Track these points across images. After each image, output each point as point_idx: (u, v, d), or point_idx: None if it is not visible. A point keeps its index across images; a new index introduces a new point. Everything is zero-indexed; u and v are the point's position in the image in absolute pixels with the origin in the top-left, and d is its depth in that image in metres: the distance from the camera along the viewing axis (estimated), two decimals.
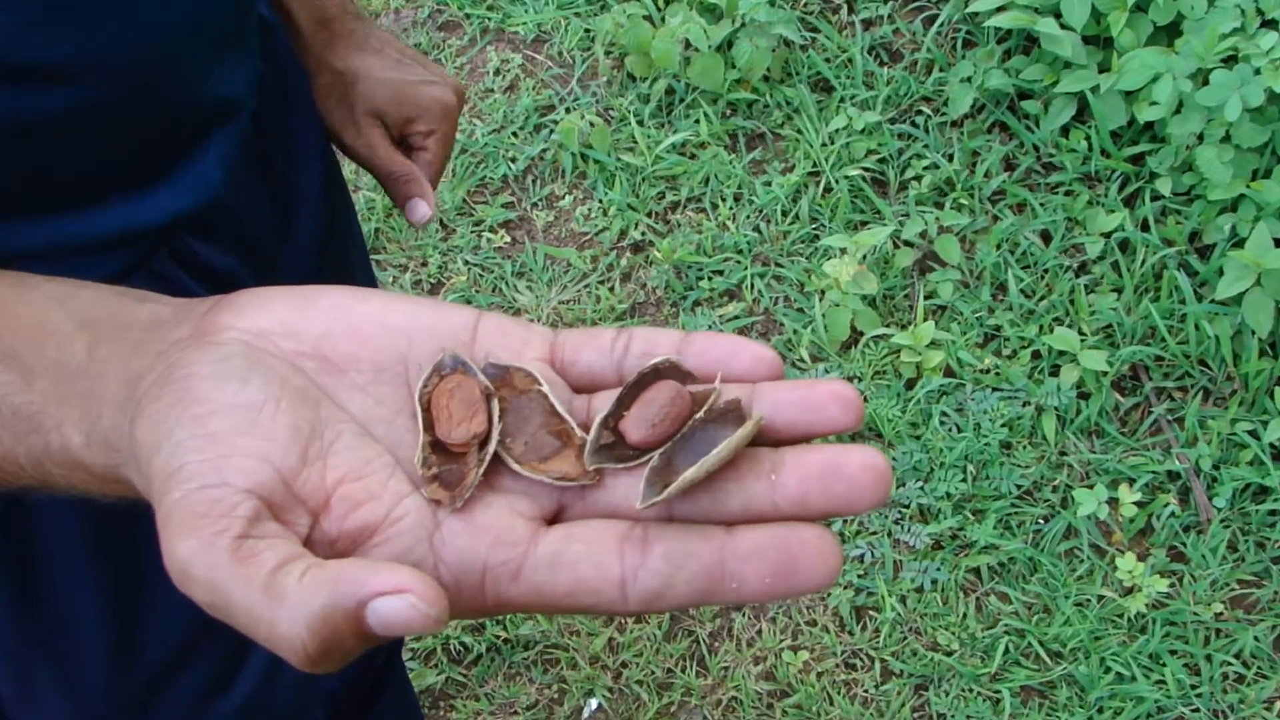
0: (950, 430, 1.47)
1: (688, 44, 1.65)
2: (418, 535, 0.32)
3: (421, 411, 0.35)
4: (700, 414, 0.34)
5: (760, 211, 1.68)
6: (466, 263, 1.67)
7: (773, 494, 0.32)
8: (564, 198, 1.72)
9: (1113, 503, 1.38)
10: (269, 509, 0.31)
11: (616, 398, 0.35)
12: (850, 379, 1.47)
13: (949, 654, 1.32)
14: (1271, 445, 1.38)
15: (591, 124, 1.69)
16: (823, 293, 1.56)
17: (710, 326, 1.57)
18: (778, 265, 1.63)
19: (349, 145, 0.71)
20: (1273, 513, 1.37)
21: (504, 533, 0.33)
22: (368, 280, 0.77)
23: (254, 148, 0.59)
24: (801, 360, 1.53)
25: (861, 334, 1.55)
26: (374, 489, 0.33)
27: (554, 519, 0.34)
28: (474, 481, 0.34)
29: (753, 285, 1.62)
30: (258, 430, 0.32)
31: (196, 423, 0.32)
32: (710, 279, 1.63)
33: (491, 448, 0.34)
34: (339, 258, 0.71)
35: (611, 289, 1.64)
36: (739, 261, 1.64)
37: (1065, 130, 1.61)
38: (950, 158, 1.67)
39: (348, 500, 0.32)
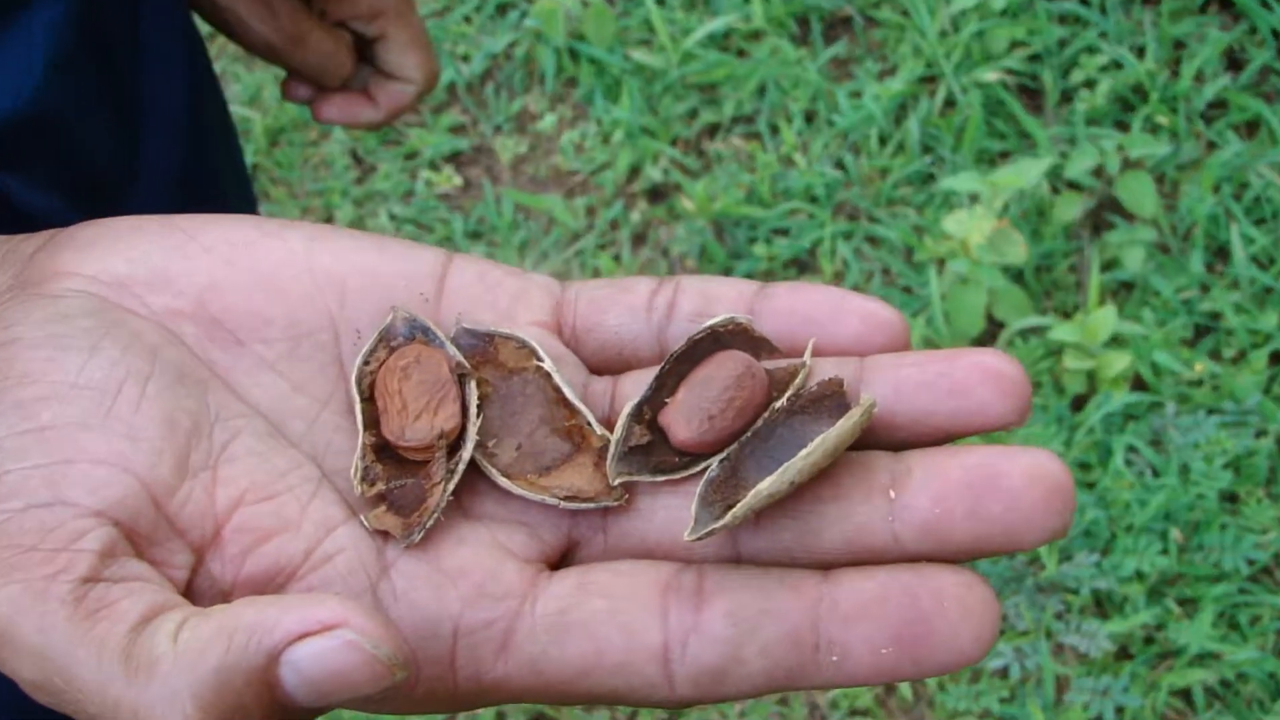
0: (1142, 474, 1.49)
1: None
2: (354, 583, 0.34)
3: (361, 400, 0.36)
4: (782, 400, 0.36)
5: (844, 138, 1.72)
6: (394, 216, 1.74)
7: (893, 520, 0.34)
8: (543, 117, 1.77)
9: None
10: (130, 540, 0.32)
11: (656, 377, 0.36)
12: None
13: None
14: None
15: (585, 2, 1.71)
16: (942, 262, 1.59)
17: None
18: (872, 220, 1.67)
19: (253, 29, 0.72)
20: None
21: (486, 581, 0.34)
22: None
23: (86, 38, 0.61)
24: None
25: (1003, 325, 1.57)
26: (289, 514, 0.35)
27: (561, 559, 0.36)
28: (439, 504, 0.35)
29: (834, 251, 1.66)
30: (113, 424, 0.33)
31: (21, 412, 0.33)
32: (769, 241, 1.68)
33: (466, 453, 0.36)
34: (212, 203, 0.74)
35: (617, 257, 1.69)
36: (812, 215, 1.67)
37: None
38: (1141, 52, 1.69)
39: (249, 530, 0.34)
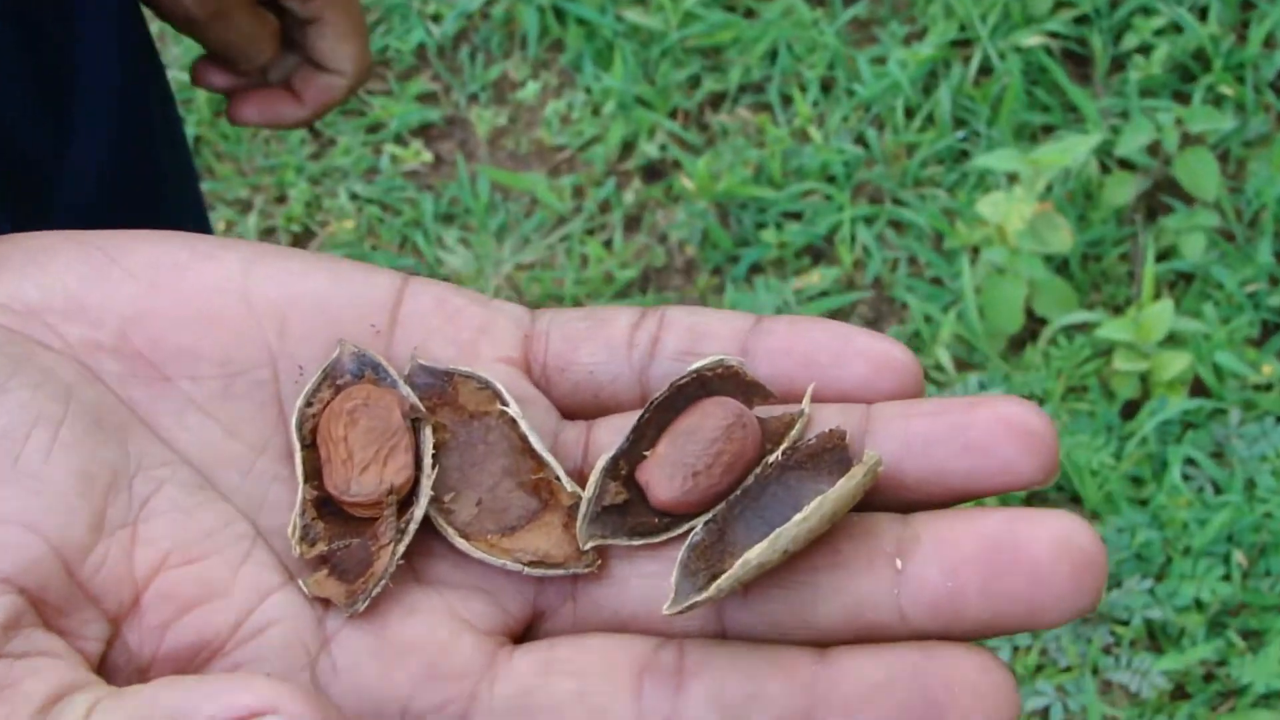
0: (1201, 490, 1.48)
1: None
2: (290, 660, 0.35)
3: (302, 447, 0.37)
4: (776, 454, 0.37)
5: (866, 110, 1.73)
6: (355, 196, 1.74)
7: (899, 594, 0.34)
8: (524, 85, 1.79)
9: None
10: (36, 610, 0.33)
11: (634, 427, 0.37)
12: (1029, 399, 1.48)
13: None
14: None
15: None
16: (976, 251, 1.59)
17: (780, 309, 1.60)
18: (897, 203, 1.68)
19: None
20: None
21: (439, 657, 0.35)
22: (200, 223, 0.82)
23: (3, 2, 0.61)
24: (939, 368, 1.56)
25: (1044, 322, 1.57)
26: (217, 579, 0.35)
27: (526, 632, 0.37)
28: (388, 569, 0.36)
29: (854, 238, 1.66)
30: (20, 477, 0.34)
31: None
32: (779, 226, 1.68)
33: (419, 511, 0.37)
34: (149, 185, 0.75)
35: (608, 244, 1.69)
36: (830, 197, 1.68)
37: None
38: (1203, 13, 1.68)
39: (171, 598, 0.34)
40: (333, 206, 1.72)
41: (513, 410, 0.38)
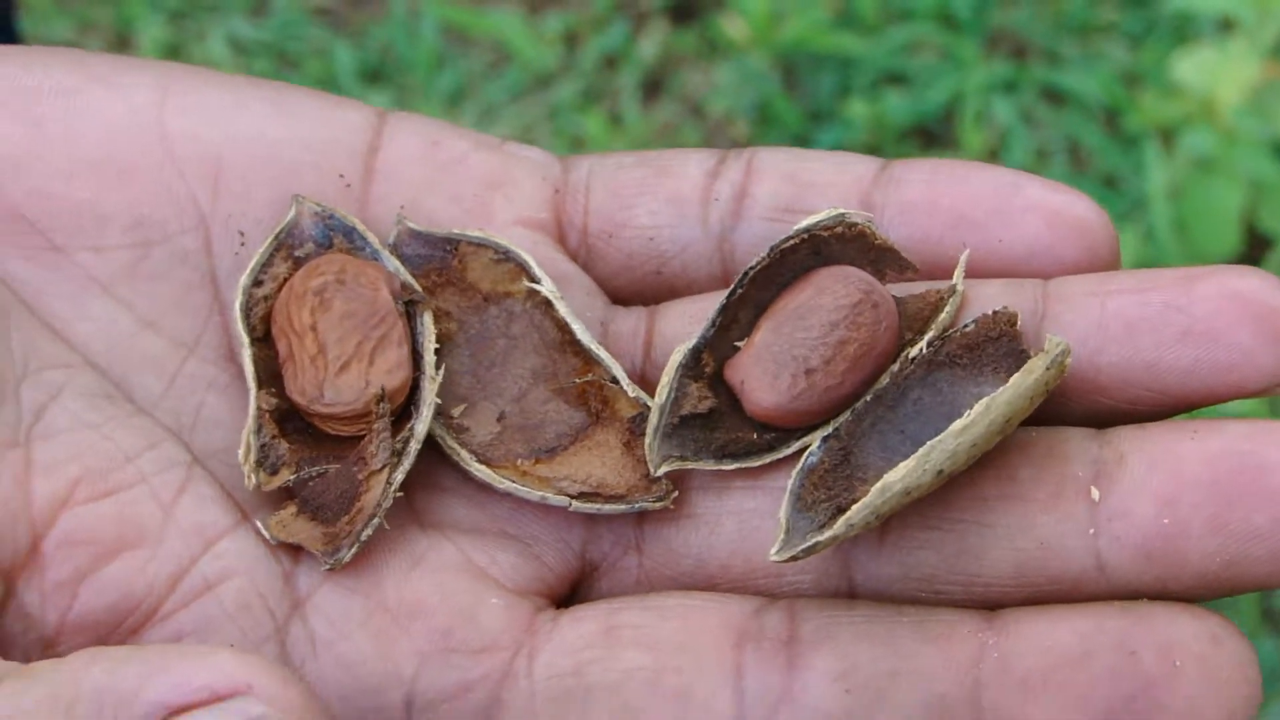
0: None
1: None
2: (250, 627, 0.36)
3: (251, 341, 0.38)
4: (921, 345, 0.38)
5: None
6: (235, 42, 1.73)
7: (1095, 535, 0.35)
8: None
9: None
10: None
11: (720, 308, 0.38)
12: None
13: None
14: None
15: None
16: (1167, 135, 1.59)
17: None
18: (1051, 60, 1.67)
19: None
20: None
21: (455, 624, 0.36)
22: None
23: None
24: None
25: (1270, 242, 1.56)
26: (143, 517, 0.36)
27: (573, 593, 0.38)
28: (381, 503, 0.37)
29: (984, 113, 1.64)
30: None
31: None
32: (873, 94, 1.66)
33: (421, 424, 0.37)
34: None
35: (616, 118, 1.68)
36: (949, 50, 1.68)
37: None
38: None
39: (83, 543, 0.35)
40: (202, 56, 1.70)
41: (546, 288, 0.39)
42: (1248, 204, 1.52)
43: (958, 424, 0.34)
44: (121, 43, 1.70)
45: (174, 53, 1.69)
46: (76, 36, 1.73)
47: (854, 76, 1.64)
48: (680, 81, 1.65)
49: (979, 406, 0.34)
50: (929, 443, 0.34)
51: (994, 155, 1.62)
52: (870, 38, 1.65)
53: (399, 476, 0.36)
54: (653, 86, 1.65)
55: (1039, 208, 0.38)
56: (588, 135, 1.62)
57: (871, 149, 1.63)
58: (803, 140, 1.62)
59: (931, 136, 1.63)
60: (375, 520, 0.36)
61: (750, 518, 0.37)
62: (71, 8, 1.75)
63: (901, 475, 0.34)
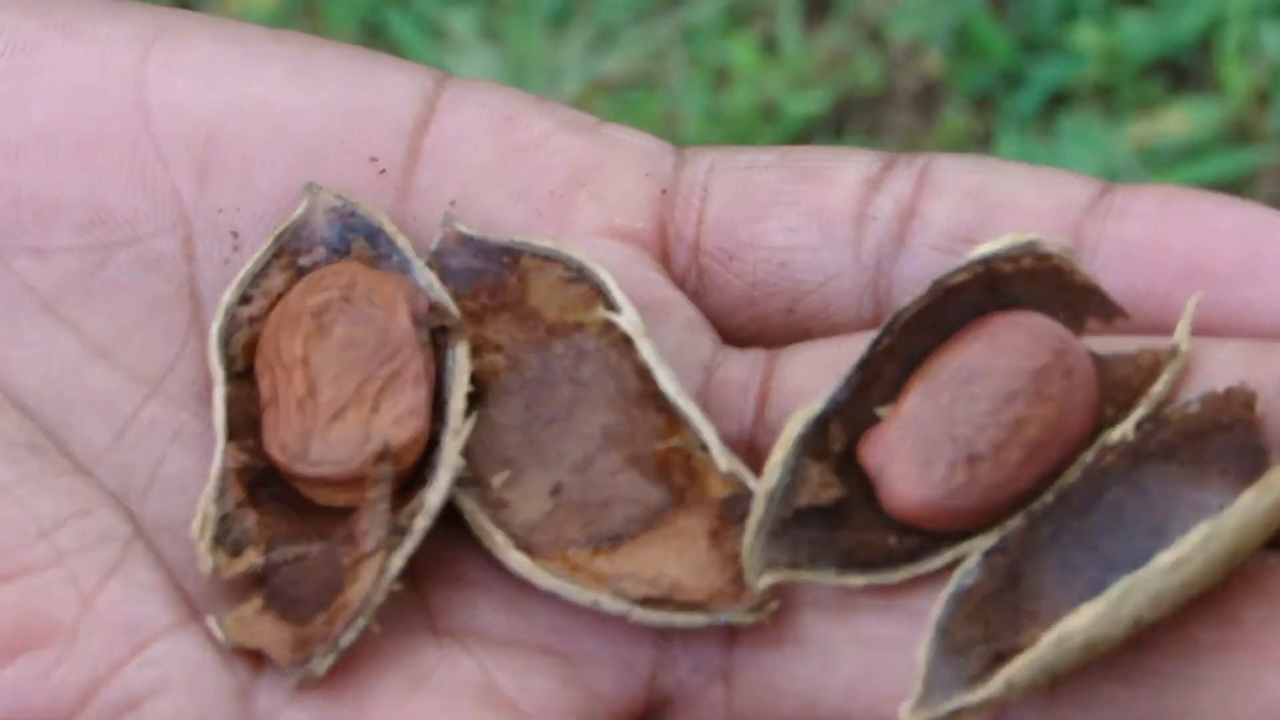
0: None
1: None
2: None
3: (227, 376, 0.38)
4: (1126, 427, 0.37)
5: None
6: None
7: None
8: None
9: None
10: None
11: (859, 363, 0.38)
12: None
13: None
14: None
15: None
16: None
17: (1113, 174, 1.49)
18: None
19: None
20: None
21: None
22: None
23: None
24: None
25: None
26: (55, 608, 0.36)
27: None
28: (371, 598, 0.36)
29: (1251, 44, 1.52)
30: None
31: None
32: (1106, 18, 1.54)
33: (436, 494, 0.37)
34: None
35: (770, 42, 1.55)
36: None
37: None
38: None
39: None
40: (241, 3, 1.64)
41: (626, 319, 0.38)
42: None
43: (1165, 557, 0.31)
44: None
45: None
46: None
47: None
48: (851, 9, 1.53)
49: (1195, 535, 0.31)
50: (1124, 580, 0.31)
51: (1264, 99, 1.47)
52: None
53: (397, 562, 0.34)
54: (817, 5, 1.52)
55: None
56: (733, 66, 1.51)
57: (1104, 89, 1.51)
58: (1013, 78, 1.49)
59: (1182, 73, 1.50)
60: (360, 621, 0.33)
61: (880, 649, 0.34)
62: None
63: (1086, 623, 0.31)
